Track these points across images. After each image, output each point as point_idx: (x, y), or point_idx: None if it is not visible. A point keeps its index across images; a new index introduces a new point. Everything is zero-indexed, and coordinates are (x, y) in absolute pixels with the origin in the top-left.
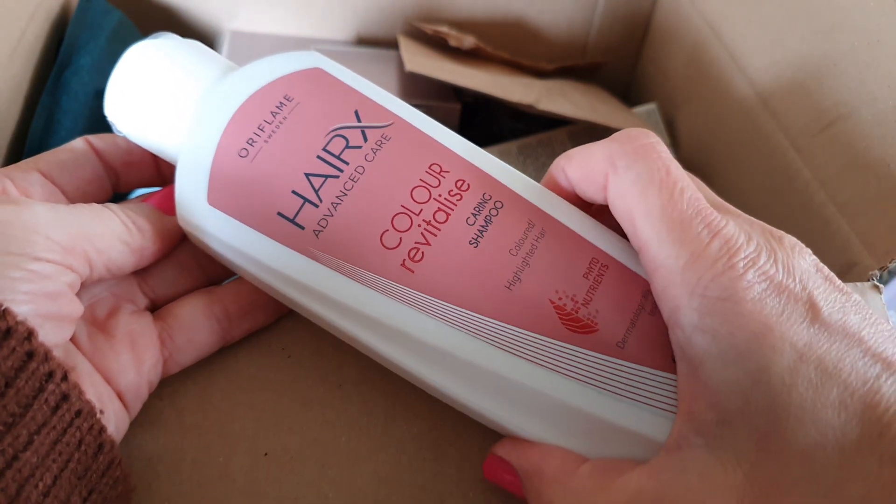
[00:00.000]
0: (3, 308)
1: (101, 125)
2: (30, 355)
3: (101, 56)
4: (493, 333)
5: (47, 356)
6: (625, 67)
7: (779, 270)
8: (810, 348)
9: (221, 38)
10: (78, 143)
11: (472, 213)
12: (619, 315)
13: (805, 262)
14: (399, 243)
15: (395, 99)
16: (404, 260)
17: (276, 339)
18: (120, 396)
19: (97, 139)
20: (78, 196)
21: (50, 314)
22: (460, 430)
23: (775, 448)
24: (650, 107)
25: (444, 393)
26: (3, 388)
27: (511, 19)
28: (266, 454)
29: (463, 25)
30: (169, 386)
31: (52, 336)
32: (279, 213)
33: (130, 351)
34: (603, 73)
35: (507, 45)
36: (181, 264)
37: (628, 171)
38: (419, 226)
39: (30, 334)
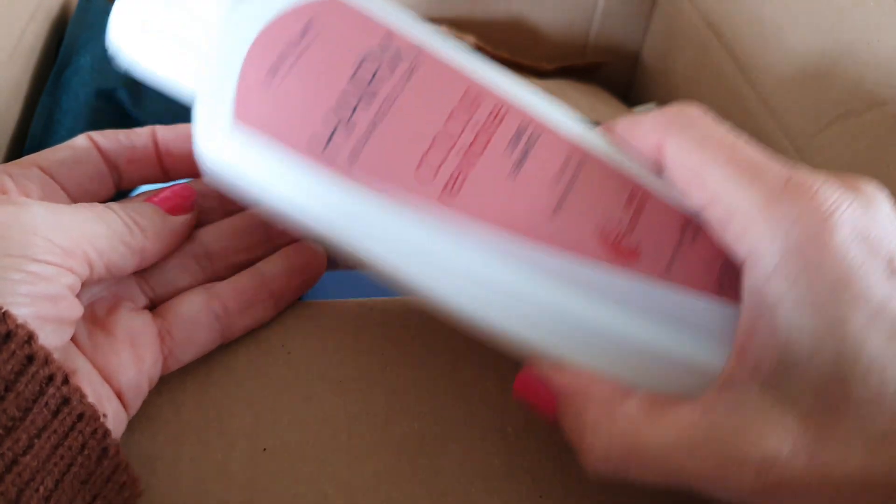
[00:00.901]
0: (2, 311)
1: (101, 125)
2: (30, 359)
3: (102, 56)
4: (538, 259)
5: (47, 359)
6: (625, 67)
7: (862, 217)
8: (888, 302)
9: None
10: (80, 141)
11: (510, 143)
12: (663, 241)
13: (884, 212)
14: (437, 172)
15: (422, 25)
16: (443, 187)
17: (275, 335)
18: (119, 395)
19: (100, 136)
20: (80, 193)
21: (50, 316)
22: (462, 426)
23: (835, 398)
24: (650, 107)
25: (485, 324)
26: (2, 392)
27: (511, 19)
28: (265, 450)
29: (463, 25)
30: (167, 383)
31: (52, 338)
32: (311, 137)
33: (130, 349)
34: (603, 73)
35: (506, 45)
36: (181, 264)
37: (689, 129)
38: (457, 154)
39: (30, 337)
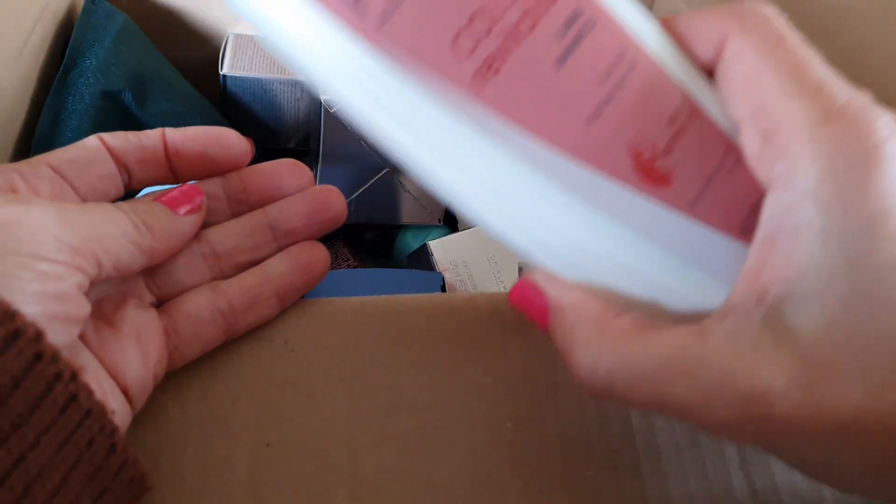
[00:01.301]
0: (11, 310)
1: (106, 125)
2: (38, 356)
3: (107, 58)
4: (560, 170)
5: (55, 357)
6: None
7: None
8: None
9: (224, 41)
10: (91, 141)
11: (562, 28)
12: (698, 170)
13: None
14: (475, 49)
15: None
16: (478, 69)
17: (278, 333)
18: (125, 391)
19: (110, 137)
20: (89, 193)
21: (58, 315)
22: (464, 422)
23: (841, 338)
24: None
25: (490, 226)
26: (10, 390)
27: None
28: (268, 445)
29: None
30: (172, 379)
31: (60, 336)
32: None
33: (137, 345)
34: None
35: None
36: (188, 263)
37: (757, 30)
38: (500, 33)
39: (38, 335)
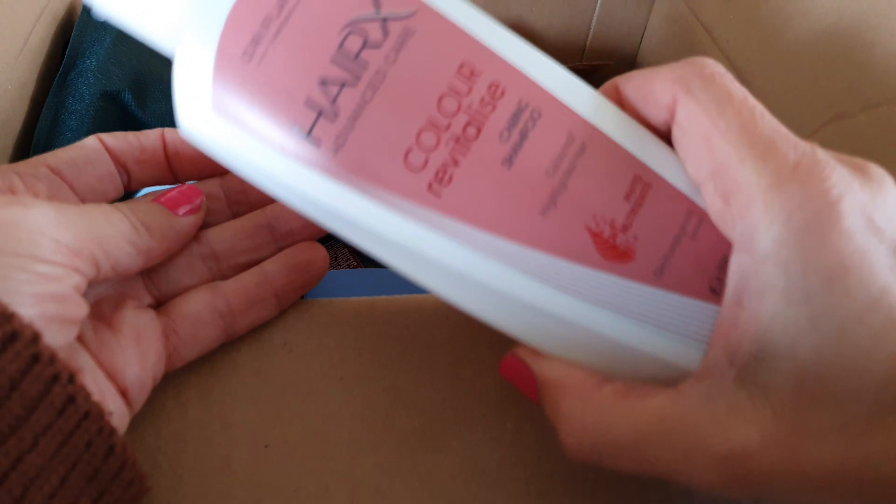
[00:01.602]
0: (9, 312)
1: (105, 126)
2: (35, 358)
3: (106, 58)
4: (524, 261)
5: (53, 359)
6: (622, 70)
7: (869, 204)
8: (884, 296)
9: None
10: (90, 141)
11: (507, 127)
12: (660, 239)
13: (892, 198)
14: (425, 163)
15: None
16: (431, 183)
17: (277, 333)
18: (124, 392)
19: (109, 137)
20: (88, 193)
21: (56, 316)
22: (462, 423)
23: (813, 392)
24: None
25: (468, 312)
26: (7, 392)
27: (509, 22)
28: (267, 446)
29: None
30: (171, 380)
31: (57, 338)
32: (294, 123)
33: (135, 346)
34: (601, 75)
35: None
36: (187, 264)
37: (704, 91)
38: (447, 143)
39: (35, 337)
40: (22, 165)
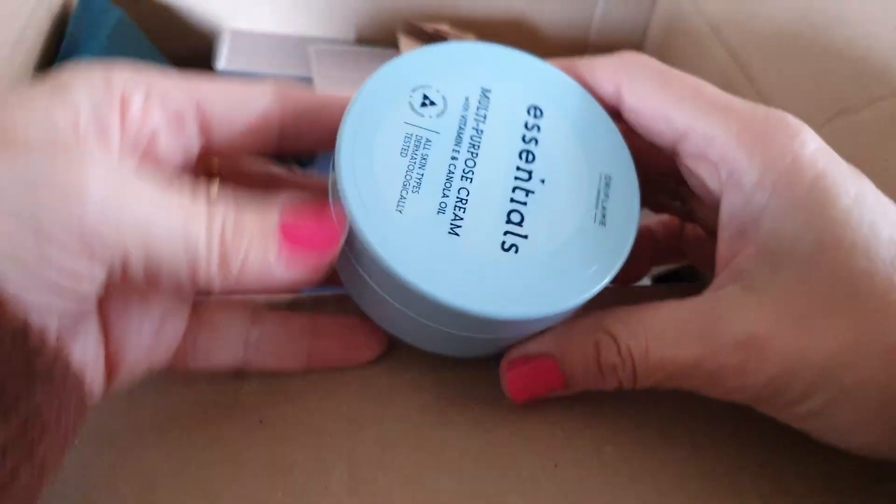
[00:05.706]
0: None
1: None
2: None
3: (102, 54)
4: None
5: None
6: None
7: (820, 140)
8: (863, 194)
9: (221, 38)
10: (261, 86)
11: None
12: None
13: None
14: None
15: None
16: None
17: None
18: (112, 368)
19: (285, 86)
20: (229, 140)
21: (62, 312)
22: (466, 400)
23: (819, 275)
24: None
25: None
26: None
27: (511, 18)
28: (261, 422)
29: (463, 24)
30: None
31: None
32: None
33: (155, 334)
34: None
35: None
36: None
37: (645, 73)
38: None
39: None
40: (159, 79)
